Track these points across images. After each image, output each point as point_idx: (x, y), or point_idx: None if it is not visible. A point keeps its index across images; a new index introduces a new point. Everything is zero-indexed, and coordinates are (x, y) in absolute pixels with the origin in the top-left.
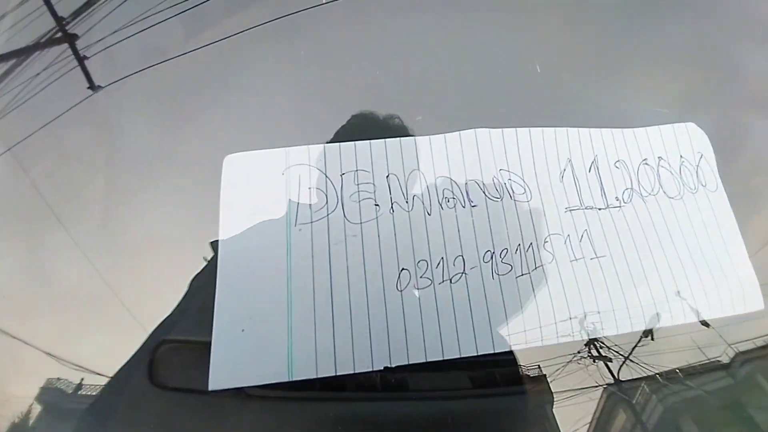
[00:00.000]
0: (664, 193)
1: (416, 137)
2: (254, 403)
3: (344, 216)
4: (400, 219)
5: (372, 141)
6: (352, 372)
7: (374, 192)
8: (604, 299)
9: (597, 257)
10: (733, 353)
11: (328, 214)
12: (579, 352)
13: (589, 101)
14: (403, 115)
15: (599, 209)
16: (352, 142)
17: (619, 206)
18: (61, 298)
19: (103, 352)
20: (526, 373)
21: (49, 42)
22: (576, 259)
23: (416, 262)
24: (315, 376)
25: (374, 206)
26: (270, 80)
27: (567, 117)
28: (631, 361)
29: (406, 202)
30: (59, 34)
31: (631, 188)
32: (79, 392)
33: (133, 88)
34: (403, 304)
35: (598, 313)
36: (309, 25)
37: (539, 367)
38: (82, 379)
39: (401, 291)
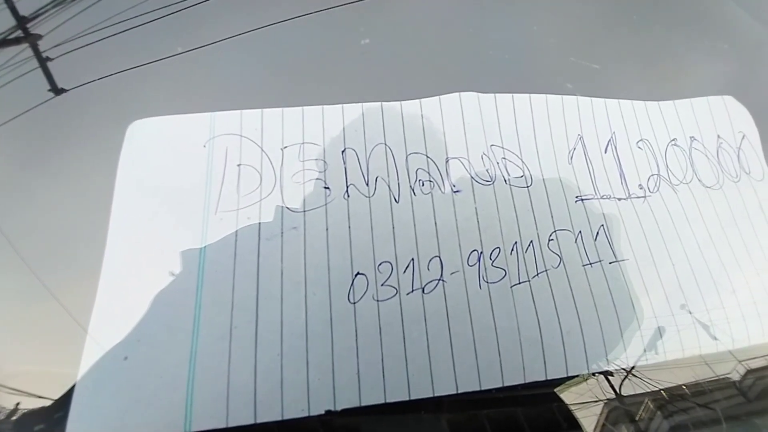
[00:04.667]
0: (699, 180)
1: (383, 103)
2: None
3: (282, 201)
4: (358, 207)
5: (325, 106)
6: (279, 419)
7: (324, 171)
8: (627, 315)
9: (617, 261)
10: (744, 370)
11: (260, 199)
12: None
13: (605, 66)
14: (359, 63)
15: (619, 199)
16: (299, 107)
17: (644, 196)
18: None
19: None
20: (515, 417)
21: (7, 41)
22: (590, 264)
23: (377, 264)
24: (224, 426)
25: (323, 189)
26: (197, 32)
27: (577, 83)
28: (633, 375)
29: (367, 184)
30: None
31: (658, 174)
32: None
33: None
34: (357, 321)
35: (620, 333)
36: None
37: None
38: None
39: (355, 303)
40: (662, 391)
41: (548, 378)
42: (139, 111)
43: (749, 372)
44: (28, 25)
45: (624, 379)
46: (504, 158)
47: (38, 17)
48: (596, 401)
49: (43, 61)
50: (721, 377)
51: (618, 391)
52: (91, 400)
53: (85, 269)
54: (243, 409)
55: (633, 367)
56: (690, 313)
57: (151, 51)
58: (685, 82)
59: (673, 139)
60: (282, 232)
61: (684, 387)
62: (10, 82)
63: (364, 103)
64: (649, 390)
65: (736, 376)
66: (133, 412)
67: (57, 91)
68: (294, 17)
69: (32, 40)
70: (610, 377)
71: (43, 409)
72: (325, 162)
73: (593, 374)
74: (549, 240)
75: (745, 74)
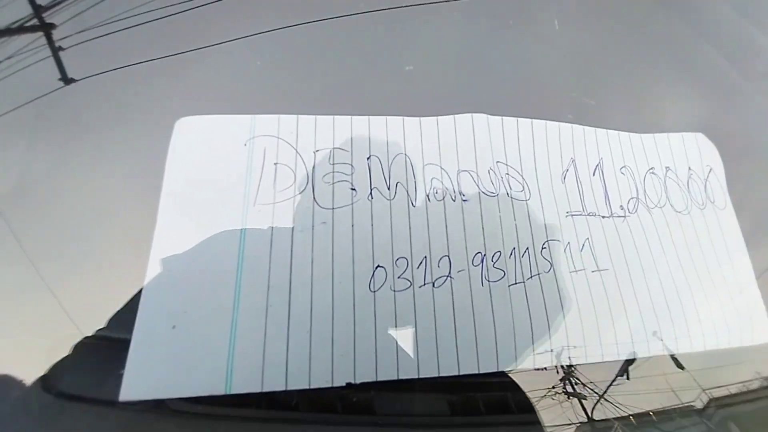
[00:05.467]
0: (671, 206)
1: (405, 117)
2: (177, 420)
3: (314, 199)
4: (380, 208)
5: (354, 116)
6: (306, 387)
7: (352, 174)
8: (605, 317)
9: (599, 270)
10: (707, 399)
11: (294, 195)
12: (554, 387)
13: (600, 101)
14: (393, 79)
15: (603, 217)
16: (331, 116)
17: (624, 216)
18: None
19: None
20: (505, 401)
21: (22, 29)
22: (576, 271)
23: (395, 259)
24: (260, 390)
25: (350, 190)
26: (239, 39)
27: (573, 113)
28: (605, 400)
29: (388, 189)
30: (35, 22)
31: (637, 198)
32: None
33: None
34: (376, 307)
35: (598, 335)
36: None
37: (515, 399)
38: None
39: (374, 292)
40: (630, 417)
41: (536, 367)
42: (181, 107)
43: (712, 400)
44: (44, 15)
45: (596, 404)
46: (507, 174)
47: (54, 7)
48: (569, 424)
49: (55, 51)
50: (687, 404)
51: (590, 415)
52: (143, 363)
53: (133, 249)
54: (276, 377)
55: (605, 392)
56: (656, 335)
57: (179, 44)
58: (664, 118)
59: (651, 168)
60: (313, 226)
61: (651, 413)
62: (25, 69)
63: (388, 117)
64: (618, 415)
65: (699, 405)
66: (180, 374)
67: (67, 80)
68: (332, 17)
69: (46, 29)
70: (583, 400)
71: (101, 373)
72: (352, 166)
73: (567, 397)
74: (542, 248)
75: (717, 115)
